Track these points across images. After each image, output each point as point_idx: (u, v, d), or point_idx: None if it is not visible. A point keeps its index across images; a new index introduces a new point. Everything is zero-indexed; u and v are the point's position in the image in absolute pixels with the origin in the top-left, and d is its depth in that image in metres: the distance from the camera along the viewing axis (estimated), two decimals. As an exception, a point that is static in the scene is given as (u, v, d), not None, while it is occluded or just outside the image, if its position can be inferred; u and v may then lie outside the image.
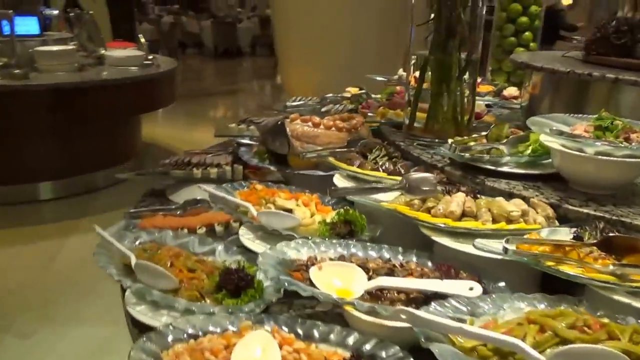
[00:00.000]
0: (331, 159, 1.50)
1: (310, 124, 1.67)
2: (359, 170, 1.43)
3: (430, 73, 1.62)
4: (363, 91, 2.43)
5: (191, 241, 1.31)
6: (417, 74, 1.64)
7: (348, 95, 2.43)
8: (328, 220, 1.25)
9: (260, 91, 10.94)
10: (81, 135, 4.24)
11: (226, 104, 9.28)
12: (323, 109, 2.22)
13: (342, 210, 1.27)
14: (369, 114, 2.01)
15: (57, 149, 4.17)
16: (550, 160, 1.42)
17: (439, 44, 1.57)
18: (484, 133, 1.55)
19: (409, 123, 1.68)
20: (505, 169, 1.41)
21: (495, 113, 2.15)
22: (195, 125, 7.19)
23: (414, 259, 1.16)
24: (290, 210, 1.31)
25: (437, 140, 1.63)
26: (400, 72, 2.44)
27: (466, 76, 1.57)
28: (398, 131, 1.82)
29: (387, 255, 1.17)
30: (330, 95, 2.31)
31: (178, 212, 1.58)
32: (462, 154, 1.38)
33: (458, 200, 1.16)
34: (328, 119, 1.69)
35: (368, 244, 1.20)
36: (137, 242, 1.30)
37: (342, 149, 1.54)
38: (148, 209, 1.58)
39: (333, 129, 1.66)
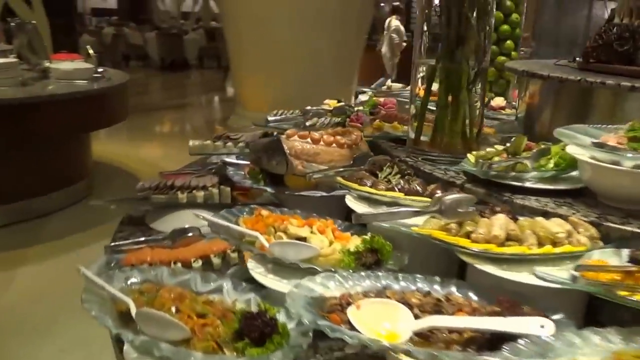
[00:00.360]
0: (339, 179, 1.37)
1: (309, 140, 1.53)
2: (374, 190, 1.30)
3: (438, 83, 1.52)
4: (342, 103, 2.32)
5: (192, 278, 1.15)
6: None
7: (328, 107, 2.30)
8: (352, 249, 1.12)
9: (210, 104, 10.64)
10: (28, 155, 3.89)
11: (175, 118, 8.96)
12: (307, 123, 2.09)
13: (366, 237, 1.13)
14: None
15: (0, 172, 3.80)
16: (573, 174, 1.34)
17: (447, 53, 1.47)
18: (498, 147, 1.46)
19: (416, 137, 1.57)
20: (527, 184, 1.32)
21: (486, 124, 2.08)
22: (144, 142, 6.87)
23: (454, 289, 1.04)
24: (304, 239, 1.16)
25: (444, 155, 1.53)
26: (389, 82, 2.34)
27: (478, 86, 1.48)
28: (398, 146, 1.71)
29: (423, 286, 1.05)
30: (313, 108, 2.18)
31: (165, 243, 1.41)
32: (488, 170, 1.28)
33: (500, 223, 1.05)
34: (328, 135, 1.55)
35: (399, 274, 1.08)
36: (128, 282, 1.12)
37: (350, 168, 1.41)
38: (132, 241, 1.40)
39: (334, 145, 1.53)
